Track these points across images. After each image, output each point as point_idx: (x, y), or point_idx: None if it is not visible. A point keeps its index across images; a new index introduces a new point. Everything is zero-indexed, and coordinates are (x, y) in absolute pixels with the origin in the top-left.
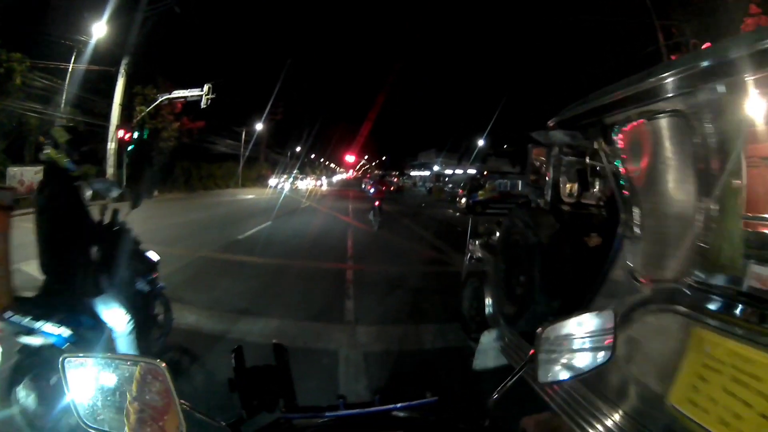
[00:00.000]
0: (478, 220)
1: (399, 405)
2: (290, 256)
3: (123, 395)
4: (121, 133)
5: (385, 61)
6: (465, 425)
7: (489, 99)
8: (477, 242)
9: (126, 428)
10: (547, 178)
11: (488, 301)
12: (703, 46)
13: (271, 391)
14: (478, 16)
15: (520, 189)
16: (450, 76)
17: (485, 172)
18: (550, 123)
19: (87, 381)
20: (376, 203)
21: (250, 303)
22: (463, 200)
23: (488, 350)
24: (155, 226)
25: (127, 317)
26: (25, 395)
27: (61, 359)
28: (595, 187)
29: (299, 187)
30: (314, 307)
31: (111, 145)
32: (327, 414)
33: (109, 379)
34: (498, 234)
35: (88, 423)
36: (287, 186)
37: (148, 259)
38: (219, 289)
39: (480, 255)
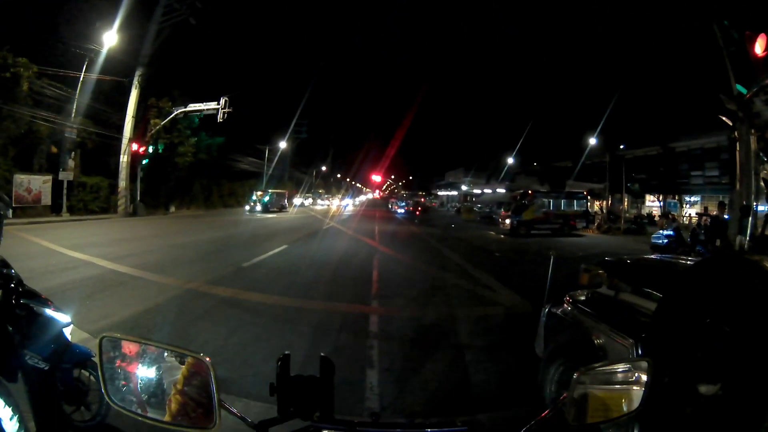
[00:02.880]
0: (554, 255)
1: (429, 430)
2: (300, 293)
3: (159, 382)
4: (134, 146)
5: (413, 80)
6: None
7: (517, 117)
8: (577, 298)
9: (166, 414)
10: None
11: None
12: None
13: (309, 400)
14: (507, 37)
15: (562, 209)
16: (478, 94)
17: (530, 192)
18: None
19: (122, 362)
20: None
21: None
22: (507, 221)
23: None
24: (156, 246)
25: (9, 412)
26: None
27: (99, 338)
28: None
29: (324, 207)
30: None
31: (124, 158)
32: (358, 429)
33: (147, 364)
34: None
35: (115, 401)
36: (311, 205)
37: (48, 323)
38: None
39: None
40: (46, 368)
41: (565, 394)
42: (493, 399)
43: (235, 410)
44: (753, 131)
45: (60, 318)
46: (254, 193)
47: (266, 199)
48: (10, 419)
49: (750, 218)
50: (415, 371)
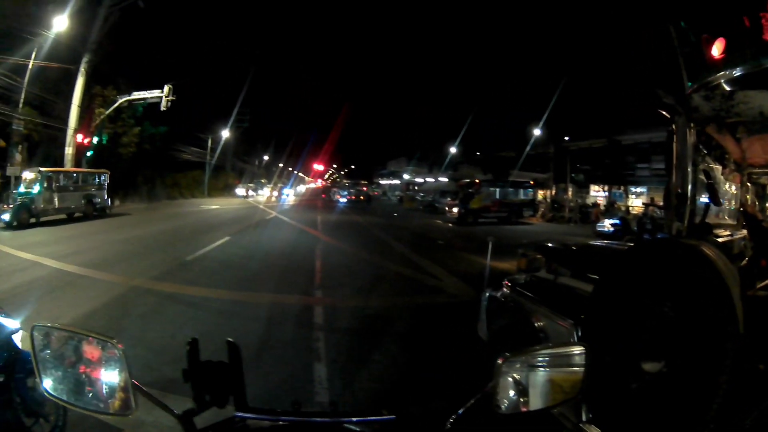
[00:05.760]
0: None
1: (355, 419)
2: (244, 286)
3: (82, 369)
4: (79, 137)
5: (356, 68)
6: None
7: (460, 106)
8: (516, 281)
9: (89, 402)
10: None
11: None
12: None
13: (222, 386)
14: (454, 26)
15: (508, 198)
16: (421, 84)
17: (477, 181)
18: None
19: (52, 351)
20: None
21: (167, 382)
22: (455, 210)
23: None
24: (98, 243)
25: None
26: None
27: (31, 327)
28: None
29: (266, 197)
30: (265, 389)
31: (68, 150)
32: (281, 418)
33: (71, 351)
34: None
35: (48, 391)
36: (254, 195)
37: None
38: (135, 347)
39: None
40: (2, 380)
41: (491, 383)
42: (438, 387)
43: (158, 398)
44: (692, 125)
45: (8, 324)
46: (23, 177)
47: (34, 190)
48: None
49: (687, 207)
50: (362, 363)
